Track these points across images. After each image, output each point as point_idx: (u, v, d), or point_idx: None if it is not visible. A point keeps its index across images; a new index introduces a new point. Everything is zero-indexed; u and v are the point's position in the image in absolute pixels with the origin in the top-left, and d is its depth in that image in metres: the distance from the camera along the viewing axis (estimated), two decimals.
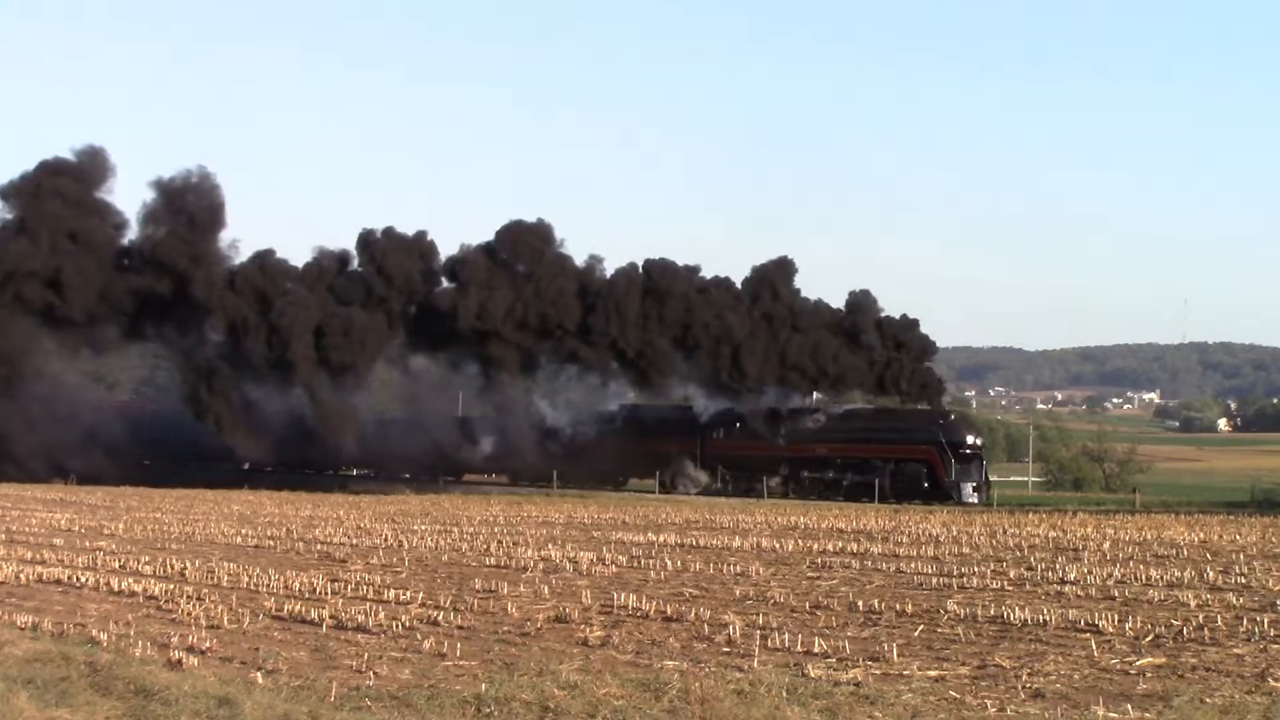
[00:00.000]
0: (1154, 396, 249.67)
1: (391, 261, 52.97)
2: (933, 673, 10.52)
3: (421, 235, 54.68)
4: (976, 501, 44.62)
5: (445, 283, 53.58)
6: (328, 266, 54.26)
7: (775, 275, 51.59)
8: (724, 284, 51.90)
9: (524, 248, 52.55)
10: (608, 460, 51.70)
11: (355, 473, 61.33)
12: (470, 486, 53.97)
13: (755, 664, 10.81)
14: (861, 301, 50.41)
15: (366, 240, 54.50)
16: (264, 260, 54.16)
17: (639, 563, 19.28)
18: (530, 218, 54.52)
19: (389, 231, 54.72)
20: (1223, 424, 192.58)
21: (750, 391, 49.94)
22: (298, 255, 60.64)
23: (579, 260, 53.65)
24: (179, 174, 55.40)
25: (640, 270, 52.13)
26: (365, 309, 51.89)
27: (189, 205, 54.04)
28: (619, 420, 53.70)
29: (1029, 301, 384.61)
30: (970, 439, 47.18)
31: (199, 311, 52.99)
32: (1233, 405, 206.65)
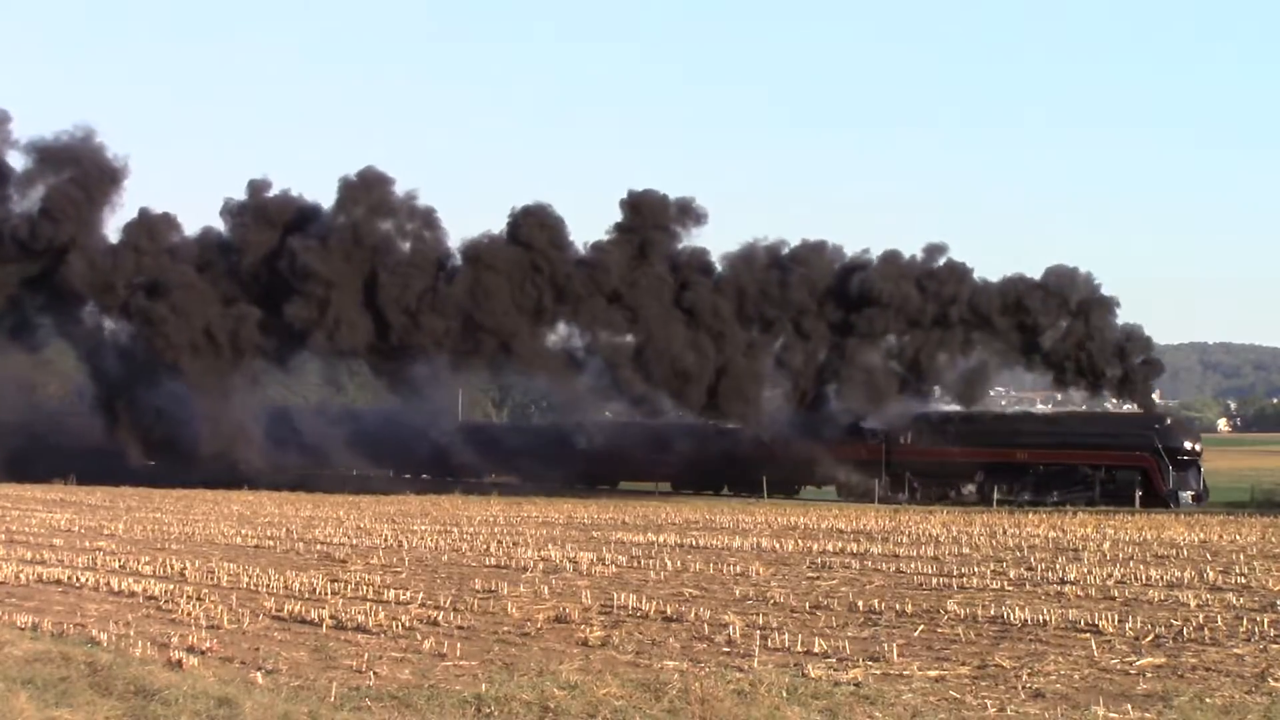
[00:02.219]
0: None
1: (252, 247, 44.80)
2: (933, 673, 10.52)
3: (310, 205, 45.40)
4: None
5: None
6: (214, 250, 46.02)
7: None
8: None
9: (366, 216, 44.18)
10: (787, 465, 48.11)
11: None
12: (471, 486, 53.64)
13: (755, 664, 10.81)
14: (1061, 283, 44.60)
15: (230, 212, 46.10)
16: (145, 242, 45.94)
17: (639, 563, 19.28)
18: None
19: (255, 196, 45.87)
20: (1223, 424, 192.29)
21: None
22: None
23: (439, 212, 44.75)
24: (58, 134, 47.02)
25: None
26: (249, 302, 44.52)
27: (77, 171, 45.97)
28: (800, 422, 49.38)
29: None
30: (1189, 444, 44.00)
31: (80, 303, 46.50)
32: (1233, 405, 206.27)
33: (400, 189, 45.95)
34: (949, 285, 44.67)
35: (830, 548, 21.94)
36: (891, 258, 45.76)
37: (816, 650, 11.51)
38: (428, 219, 46.13)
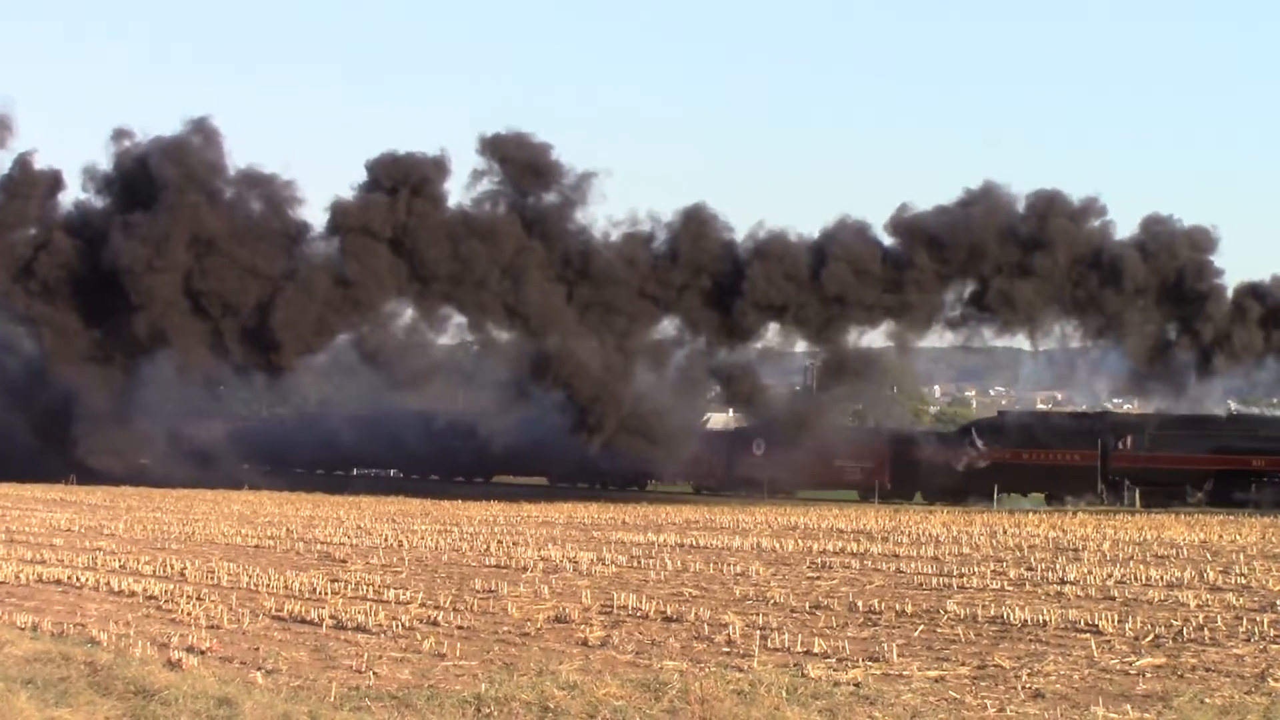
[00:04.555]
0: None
1: (111, 228, 37.31)
2: (933, 673, 10.53)
3: (153, 172, 36.89)
4: None
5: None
6: (89, 228, 38.73)
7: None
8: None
9: (195, 200, 36.45)
10: (985, 472, 45.00)
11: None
12: (487, 488, 53.20)
13: (755, 664, 10.82)
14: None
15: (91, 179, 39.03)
16: (19, 216, 39.36)
17: (639, 563, 19.29)
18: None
19: (117, 152, 38.61)
20: None
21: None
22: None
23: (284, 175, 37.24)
24: None
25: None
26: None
27: None
28: (1002, 428, 47.07)
29: None
30: None
31: None
32: (1233, 405, 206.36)
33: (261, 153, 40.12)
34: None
35: (830, 548, 21.94)
36: (775, 249, 39.04)
37: (816, 650, 11.52)
38: (280, 191, 39.00)
